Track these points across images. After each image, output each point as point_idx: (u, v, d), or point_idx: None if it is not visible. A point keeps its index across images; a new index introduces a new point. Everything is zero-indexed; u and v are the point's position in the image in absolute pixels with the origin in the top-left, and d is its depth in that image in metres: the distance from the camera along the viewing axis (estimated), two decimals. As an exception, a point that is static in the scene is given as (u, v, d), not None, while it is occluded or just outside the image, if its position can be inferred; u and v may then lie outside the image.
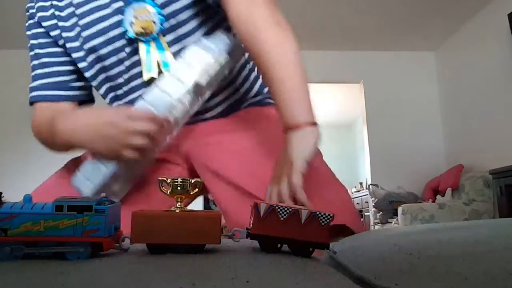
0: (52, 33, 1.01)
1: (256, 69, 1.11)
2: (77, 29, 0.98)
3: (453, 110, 4.29)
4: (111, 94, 1.04)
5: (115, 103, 1.04)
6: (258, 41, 0.85)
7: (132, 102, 0.97)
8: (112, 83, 1.01)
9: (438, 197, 3.71)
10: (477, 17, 3.84)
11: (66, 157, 1.05)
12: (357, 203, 5.83)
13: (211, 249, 0.62)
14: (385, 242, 0.70)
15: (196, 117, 1.00)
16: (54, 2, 1.00)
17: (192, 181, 0.63)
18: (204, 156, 1.00)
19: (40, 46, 1.02)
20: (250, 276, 0.47)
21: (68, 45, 1.00)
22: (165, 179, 0.62)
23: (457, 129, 4.23)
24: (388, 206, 3.75)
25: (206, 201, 4.83)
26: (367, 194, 4.90)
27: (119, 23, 0.93)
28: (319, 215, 0.59)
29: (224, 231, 0.66)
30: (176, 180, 0.61)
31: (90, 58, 0.98)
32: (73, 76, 1.04)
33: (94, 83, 1.04)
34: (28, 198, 0.57)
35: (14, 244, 0.53)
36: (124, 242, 0.61)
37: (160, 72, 0.94)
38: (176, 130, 0.93)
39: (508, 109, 3.39)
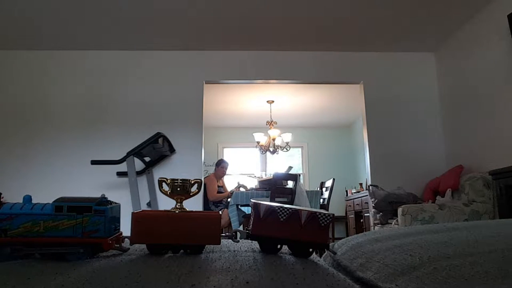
0: None
1: None
2: None
3: (453, 110, 4.29)
4: None
5: None
6: None
7: None
8: None
9: (438, 197, 3.70)
10: (477, 18, 3.84)
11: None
12: (357, 204, 5.83)
13: (211, 250, 0.62)
14: (385, 242, 0.70)
15: None
16: None
17: (192, 181, 0.63)
18: None
19: None
20: (250, 277, 0.47)
21: None
22: (165, 179, 0.62)
23: (457, 129, 4.22)
24: (388, 207, 3.74)
25: (206, 202, 4.82)
26: (367, 195, 4.89)
27: None
28: (319, 215, 0.59)
29: (223, 232, 0.66)
30: (176, 181, 0.61)
31: None
32: None
33: None
34: (27, 199, 0.57)
35: (14, 244, 0.53)
36: (124, 243, 0.61)
37: None
38: None
39: (508, 109, 3.39)
